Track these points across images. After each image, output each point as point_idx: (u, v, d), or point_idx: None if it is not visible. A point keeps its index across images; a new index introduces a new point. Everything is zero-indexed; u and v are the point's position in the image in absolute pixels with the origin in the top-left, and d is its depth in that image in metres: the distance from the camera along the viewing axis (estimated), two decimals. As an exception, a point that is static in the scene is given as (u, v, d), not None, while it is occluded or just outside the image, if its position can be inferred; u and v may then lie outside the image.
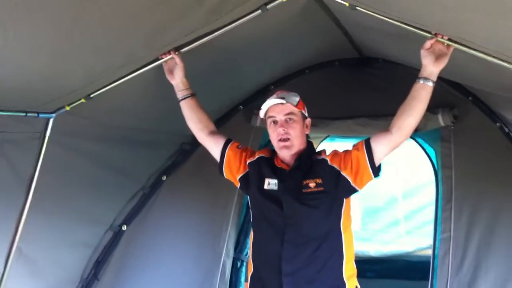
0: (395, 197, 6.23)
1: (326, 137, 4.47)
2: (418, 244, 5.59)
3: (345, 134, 3.86)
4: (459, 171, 3.39)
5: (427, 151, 3.65)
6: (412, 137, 3.64)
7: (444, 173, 3.45)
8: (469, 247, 3.28)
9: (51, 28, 1.96)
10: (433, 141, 3.57)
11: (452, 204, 3.36)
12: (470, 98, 3.44)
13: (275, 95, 2.71)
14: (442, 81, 3.24)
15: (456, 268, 3.28)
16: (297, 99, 2.70)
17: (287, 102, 2.63)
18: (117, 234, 3.85)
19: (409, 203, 6.15)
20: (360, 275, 2.98)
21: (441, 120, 3.41)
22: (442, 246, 3.35)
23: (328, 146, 3.88)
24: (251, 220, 2.88)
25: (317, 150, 2.92)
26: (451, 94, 3.47)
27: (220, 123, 3.84)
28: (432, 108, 3.35)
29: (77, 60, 2.35)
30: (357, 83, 3.85)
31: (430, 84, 2.41)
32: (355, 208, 6.08)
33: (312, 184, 2.64)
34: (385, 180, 5.88)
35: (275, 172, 2.73)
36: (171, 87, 2.90)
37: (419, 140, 3.69)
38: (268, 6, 2.47)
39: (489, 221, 3.27)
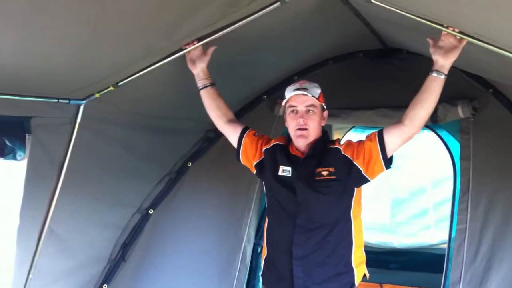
0: (423, 187, 6.22)
1: (351, 128, 4.54)
2: (442, 236, 5.61)
3: (366, 125, 3.90)
4: (477, 162, 3.41)
5: (447, 143, 3.67)
6: (431, 128, 3.70)
7: (462, 164, 3.47)
8: (484, 238, 3.31)
9: (76, 19, 2.06)
10: (452, 132, 3.60)
11: (469, 196, 3.38)
12: (490, 90, 3.45)
13: (297, 84, 2.78)
14: (462, 73, 3.29)
15: (471, 259, 3.31)
16: (319, 91, 2.77)
17: (309, 94, 2.70)
18: (144, 218, 4.00)
19: (437, 193, 6.15)
20: (384, 267, 3.07)
21: (460, 111, 3.42)
22: (458, 237, 3.38)
23: (355, 137, 3.93)
24: (266, 205, 2.99)
25: (334, 139, 2.99)
26: (471, 86, 3.48)
27: (244, 113, 3.95)
28: (452, 99, 3.39)
29: (102, 51, 2.46)
30: (380, 74, 3.87)
31: (442, 77, 2.46)
32: (384, 199, 6.12)
33: (324, 172, 2.72)
34: (413, 171, 5.91)
35: (290, 160, 2.81)
36: (193, 75, 3.00)
37: (440, 132, 3.71)
38: (287, -1, 2.55)
39: (505, 213, 3.28)
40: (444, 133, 3.70)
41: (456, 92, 3.33)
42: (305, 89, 2.72)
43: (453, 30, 2.26)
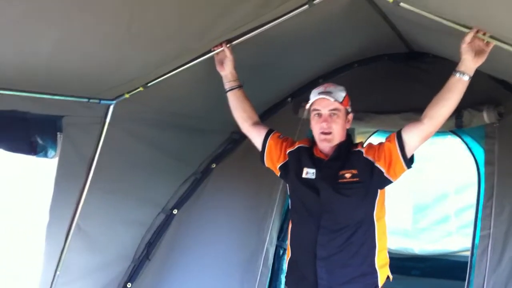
0: (445, 193, 6.18)
1: (375, 132, 4.53)
2: (464, 244, 5.57)
3: (390, 129, 3.85)
4: (501, 167, 3.39)
5: (472, 148, 3.66)
6: (456, 133, 3.69)
7: (486, 169, 3.46)
8: (508, 245, 3.28)
9: (113, 21, 2.14)
10: (477, 137, 3.58)
11: (493, 201, 3.36)
12: (516, 95, 3.44)
13: (322, 87, 2.80)
14: (487, 77, 3.27)
15: (494, 266, 3.29)
16: (343, 94, 2.78)
17: (333, 98, 2.71)
18: (169, 217, 4.05)
19: (460, 199, 6.11)
20: (405, 273, 3.06)
21: (486, 117, 3.41)
22: (481, 243, 3.36)
23: (377, 141, 3.94)
24: (290, 207, 3.01)
25: (356, 142, 3.01)
26: (497, 91, 3.46)
27: (268, 115, 3.97)
28: (477, 104, 3.38)
29: (135, 52, 2.53)
30: (405, 77, 3.87)
31: (467, 78, 2.47)
32: (406, 205, 6.10)
33: (347, 175, 2.74)
34: (435, 177, 5.88)
35: (314, 162, 2.84)
36: (221, 77, 3.04)
37: (465, 137, 3.70)
38: (315, 1, 2.56)
39: (530, 219, 3.26)
40: (468, 139, 3.68)
41: (481, 97, 3.32)
42: (329, 92, 2.75)
43: (482, 34, 2.27)
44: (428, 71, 3.81)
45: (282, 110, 4.07)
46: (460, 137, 3.69)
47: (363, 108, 3.68)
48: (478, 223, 3.42)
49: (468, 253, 5.21)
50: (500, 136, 3.43)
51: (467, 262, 5.09)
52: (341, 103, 2.74)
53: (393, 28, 3.42)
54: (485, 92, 3.33)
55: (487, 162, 3.46)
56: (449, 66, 3.43)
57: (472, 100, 2.57)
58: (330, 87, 2.80)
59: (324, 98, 2.73)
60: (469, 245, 5.30)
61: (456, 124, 3.43)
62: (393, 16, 3.12)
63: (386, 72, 3.96)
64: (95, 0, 1.98)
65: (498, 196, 3.35)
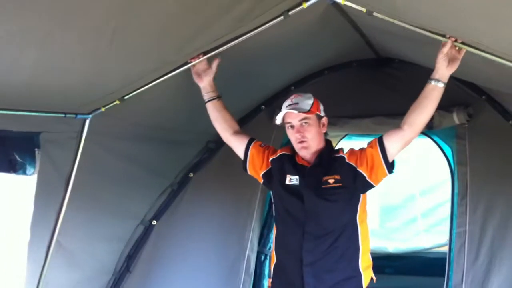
0: (413, 194, 6.34)
1: (345, 136, 4.62)
2: (436, 241, 5.71)
3: (363, 133, 3.98)
4: (474, 167, 3.50)
5: (443, 148, 3.78)
6: (428, 135, 3.80)
7: (459, 169, 3.56)
8: (483, 241, 3.39)
9: (95, 36, 2.14)
10: (448, 138, 3.69)
11: (467, 200, 3.47)
12: (483, 97, 3.55)
13: (289, 100, 2.87)
14: (457, 81, 3.37)
15: (472, 261, 3.39)
16: (311, 102, 2.84)
17: (298, 109, 2.77)
18: (148, 229, 4.04)
19: (426, 200, 6.26)
20: (379, 271, 3.12)
21: (456, 118, 3.52)
22: (458, 240, 3.46)
23: (347, 144, 4.02)
24: (274, 214, 3.05)
25: (336, 148, 3.07)
26: (465, 93, 3.58)
27: (243, 123, 3.98)
28: (448, 106, 3.48)
29: (115, 66, 2.54)
30: (374, 83, 3.96)
31: (441, 85, 2.55)
32: (372, 206, 6.22)
33: (331, 180, 2.80)
34: (402, 179, 6.00)
35: (297, 169, 2.90)
36: (197, 88, 3.05)
37: (435, 138, 3.82)
38: (290, 13, 2.60)
39: (503, 215, 3.37)
40: (439, 140, 3.80)
41: (451, 99, 3.41)
42: (295, 104, 2.82)
43: (455, 41, 2.36)
44: (395, 76, 3.93)
45: (256, 117, 4.12)
46: (431, 138, 3.80)
47: (336, 113, 3.75)
48: (454, 220, 3.52)
49: (441, 249, 5.46)
50: (470, 136, 3.55)
51: (440, 259, 5.28)
52: (308, 111, 2.80)
53: (362, 35, 3.50)
54: (455, 94, 3.42)
55: (459, 162, 3.57)
56: (415, 71, 3.61)
57: (442, 102, 2.64)
58: (296, 97, 2.87)
59: (291, 111, 2.80)
60: (440, 242, 5.53)
61: (427, 126, 3.52)
62: (363, 24, 3.20)
63: (355, 78, 4.05)
64: (78, 18, 1.98)
65: (472, 195, 3.46)
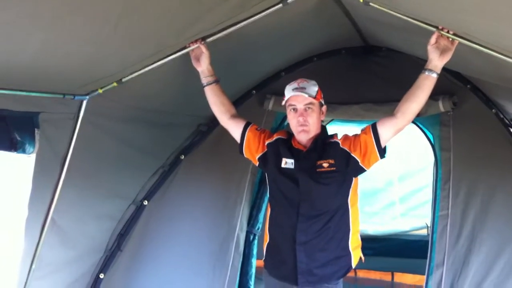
0: (391, 180, 6.50)
1: (331, 121, 4.72)
2: (414, 224, 5.88)
3: (351, 118, 4.06)
4: (457, 153, 3.63)
5: (428, 135, 3.91)
6: (414, 121, 3.92)
7: (443, 155, 3.69)
8: (465, 223, 3.53)
9: (101, 22, 2.19)
10: (433, 125, 3.80)
11: (450, 184, 3.61)
12: (468, 86, 3.68)
13: (296, 84, 2.95)
14: (442, 70, 3.46)
15: (453, 242, 3.54)
16: (316, 89, 2.95)
17: (307, 93, 2.87)
18: (139, 209, 4.10)
19: (404, 186, 6.43)
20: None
21: (441, 106, 3.64)
22: (441, 222, 3.60)
23: (333, 129, 4.13)
24: (269, 195, 3.16)
25: (330, 133, 3.18)
26: (451, 82, 3.69)
27: (234, 107, 4.08)
28: (433, 95, 3.55)
29: (116, 50, 2.58)
30: (362, 70, 4.05)
31: (435, 75, 2.67)
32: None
33: (325, 164, 2.92)
34: (381, 165, 6.14)
35: (292, 153, 3.00)
36: (192, 72, 3.11)
37: (420, 124, 3.94)
38: (289, 0, 2.68)
39: (484, 199, 3.52)
40: (424, 126, 3.91)
41: (437, 88, 3.47)
42: (303, 88, 2.90)
43: (447, 32, 2.46)
44: (382, 64, 4.02)
45: (247, 102, 4.17)
46: (417, 125, 3.92)
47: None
48: (437, 203, 3.65)
49: (419, 232, 5.63)
50: (454, 124, 3.68)
51: (418, 241, 5.46)
52: (314, 97, 2.90)
53: (354, 24, 3.58)
54: (441, 83, 3.45)
55: (443, 149, 3.70)
56: (402, 59, 3.72)
57: (427, 90, 2.77)
58: (303, 82, 2.96)
59: (298, 94, 2.88)
60: (418, 225, 5.70)
61: (413, 113, 3.65)
62: (356, 14, 3.29)
63: (343, 65, 4.13)
64: (87, 3, 2.03)
65: (455, 180, 3.59)
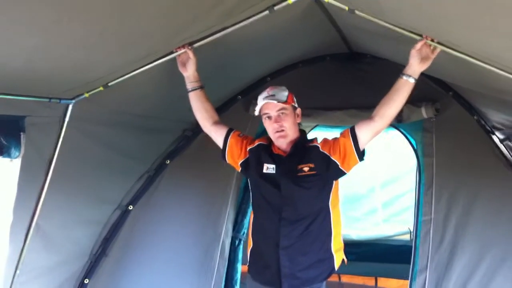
0: (373, 186, 6.56)
1: (315, 126, 4.76)
2: (397, 229, 5.94)
3: (335, 124, 4.11)
4: (439, 159, 3.69)
5: (411, 141, 3.97)
6: (397, 127, 3.98)
7: (425, 161, 3.75)
8: (447, 228, 3.59)
9: (89, 26, 2.19)
10: (416, 131, 3.86)
11: (432, 189, 3.66)
12: (450, 93, 3.74)
13: (266, 92, 3.00)
14: (426, 77, 3.52)
15: (436, 247, 3.59)
16: (286, 93, 2.99)
17: (277, 100, 2.92)
18: (124, 213, 4.10)
19: (386, 192, 6.49)
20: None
21: (424, 112, 3.70)
22: (423, 227, 3.65)
23: (316, 134, 4.16)
24: (251, 201, 3.18)
25: (310, 138, 3.22)
26: (433, 89, 3.76)
27: (220, 112, 4.01)
28: (416, 101, 3.66)
29: (105, 55, 2.59)
30: (347, 76, 4.10)
31: (412, 81, 2.71)
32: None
33: (306, 168, 2.95)
34: (365, 170, 6.21)
35: (273, 158, 3.04)
36: (178, 77, 3.12)
37: (403, 130, 4.00)
38: (275, 8, 2.71)
39: (465, 204, 3.58)
40: (407, 132, 3.98)
41: (420, 94, 3.55)
42: (273, 95, 2.95)
43: (431, 40, 2.50)
44: (366, 71, 4.07)
45: (232, 107, 4.21)
46: (400, 131, 3.98)
47: (310, 105, 3.87)
48: (420, 209, 3.70)
49: (401, 237, 5.69)
50: (436, 130, 3.74)
51: (401, 246, 5.51)
52: (285, 102, 2.95)
53: (338, 31, 3.63)
54: (423, 90, 3.55)
55: (426, 154, 3.76)
56: (386, 66, 3.76)
57: (411, 97, 2.79)
58: (272, 89, 3.01)
59: (269, 102, 2.93)
60: (401, 230, 5.77)
61: (397, 119, 3.69)
62: (341, 21, 3.33)
63: (328, 71, 4.18)
64: (76, 8, 2.03)
65: (437, 185, 3.66)
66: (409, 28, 2.50)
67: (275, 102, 2.91)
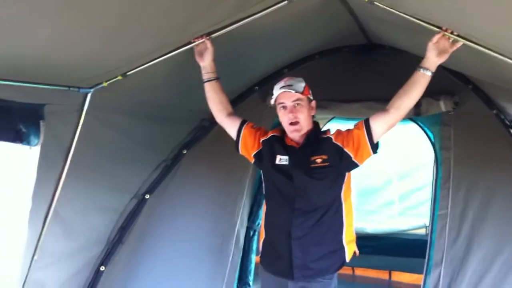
0: (391, 179, 6.53)
1: (332, 118, 4.76)
2: (412, 223, 5.92)
3: (352, 116, 4.07)
4: (457, 152, 3.67)
5: (428, 134, 3.94)
6: (414, 120, 3.95)
7: (443, 154, 3.72)
8: (464, 223, 3.57)
9: (109, 17, 2.21)
10: (434, 125, 3.84)
11: (450, 183, 3.64)
12: (470, 86, 3.71)
13: (283, 82, 2.99)
14: (445, 70, 3.51)
15: (452, 242, 3.57)
16: (303, 85, 2.98)
17: (294, 90, 2.92)
18: (141, 202, 4.13)
19: (403, 184, 6.46)
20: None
21: (442, 105, 3.67)
22: (440, 221, 3.63)
23: (333, 126, 4.15)
24: (264, 192, 3.19)
25: (323, 129, 3.22)
26: (452, 82, 3.72)
27: (236, 103, 4.08)
28: (435, 94, 3.63)
29: (123, 44, 2.61)
30: (364, 68, 4.08)
31: (429, 74, 2.70)
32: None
33: (318, 160, 2.96)
34: (381, 162, 6.19)
35: (286, 149, 3.04)
36: (195, 67, 3.13)
37: (421, 123, 3.97)
38: (294, -2, 2.73)
39: (483, 199, 3.55)
40: (425, 126, 3.95)
41: (438, 87, 3.55)
42: (290, 85, 2.94)
43: (451, 33, 2.48)
44: (384, 62, 4.04)
45: (249, 98, 4.21)
46: (417, 124, 3.95)
47: (326, 97, 3.87)
48: (436, 203, 3.68)
49: (417, 231, 5.67)
50: (455, 123, 3.71)
51: (416, 240, 5.49)
52: (302, 93, 2.94)
53: (357, 22, 3.61)
54: (442, 83, 3.55)
55: (444, 148, 3.73)
56: (405, 58, 3.71)
57: (429, 90, 2.77)
58: (289, 80, 3.00)
59: (286, 91, 2.93)
60: (417, 224, 5.75)
61: (415, 112, 3.67)
62: (360, 12, 3.31)
63: (345, 63, 4.16)
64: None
65: (455, 179, 3.63)
66: (428, 20, 2.48)
67: (293, 92, 2.91)
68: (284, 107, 2.96)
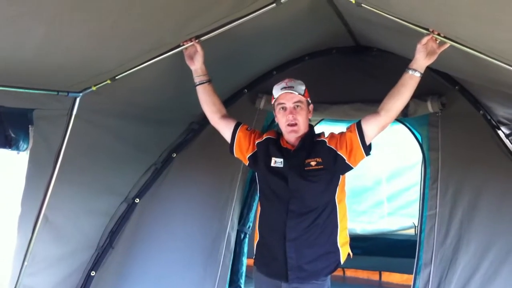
0: (380, 179, 6.56)
1: (321, 120, 4.77)
2: (401, 223, 5.95)
3: (341, 118, 4.10)
4: (445, 153, 3.69)
5: (416, 135, 3.96)
6: (402, 122, 3.98)
7: (431, 155, 3.75)
8: (452, 223, 3.59)
9: (101, 17, 2.22)
10: (421, 125, 3.86)
11: (438, 184, 3.66)
12: (457, 87, 3.74)
13: (284, 83, 3.01)
14: (432, 71, 3.54)
15: (441, 241, 3.60)
16: (303, 87, 3.02)
17: (296, 91, 2.94)
18: (131, 206, 4.12)
19: (392, 185, 6.49)
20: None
21: (430, 106, 3.70)
22: (429, 221, 3.65)
23: (322, 129, 4.17)
24: (259, 194, 3.20)
25: (317, 132, 3.23)
26: (439, 83, 3.75)
27: (226, 105, 4.03)
28: (422, 95, 3.65)
29: (112, 48, 2.62)
30: (353, 70, 4.10)
31: (418, 75, 2.73)
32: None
33: (313, 163, 2.97)
34: (370, 163, 6.20)
35: (281, 152, 3.06)
36: (185, 71, 3.13)
37: (409, 125, 4.00)
38: (282, 0, 2.72)
39: (471, 199, 3.58)
40: (413, 127, 3.97)
41: (426, 88, 3.56)
42: (291, 87, 2.97)
43: (438, 35, 2.51)
44: (373, 64, 4.06)
45: (239, 100, 4.22)
46: (405, 125, 3.98)
47: (315, 99, 3.83)
48: (425, 203, 3.71)
49: (406, 232, 5.70)
50: (442, 124, 3.73)
51: (405, 241, 5.52)
52: (303, 95, 2.97)
53: (345, 24, 3.63)
54: (430, 84, 3.56)
55: (432, 149, 3.75)
56: (393, 60, 3.75)
57: (417, 91, 2.80)
58: (291, 81, 3.02)
59: (287, 92, 2.95)
60: (406, 224, 5.78)
61: (403, 113, 3.69)
62: (348, 14, 3.33)
63: (334, 64, 4.18)
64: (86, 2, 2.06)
65: (443, 180, 3.65)
66: (416, 22, 2.51)
67: (295, 93, 2.94)
68: (284, 108, 2.98)
